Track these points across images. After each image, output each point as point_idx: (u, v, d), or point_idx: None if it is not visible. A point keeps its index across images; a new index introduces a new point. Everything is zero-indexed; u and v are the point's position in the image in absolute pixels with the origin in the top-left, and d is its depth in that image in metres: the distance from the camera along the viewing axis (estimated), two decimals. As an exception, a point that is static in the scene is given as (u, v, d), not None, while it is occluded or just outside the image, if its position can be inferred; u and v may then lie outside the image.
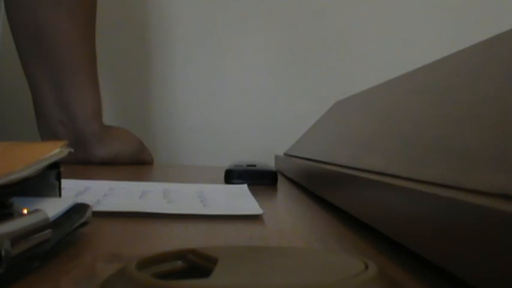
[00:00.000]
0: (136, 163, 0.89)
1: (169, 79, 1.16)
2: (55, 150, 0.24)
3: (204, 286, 0.13)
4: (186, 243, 0.24)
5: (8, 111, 1.14)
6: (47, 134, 0.85)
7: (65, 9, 0.80)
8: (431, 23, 1.15)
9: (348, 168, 0.35)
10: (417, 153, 0.26)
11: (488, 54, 0.29)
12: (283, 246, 0.24)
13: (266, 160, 0.83)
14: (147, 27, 1.17)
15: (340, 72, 1.15)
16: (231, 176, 0.56)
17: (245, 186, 0.48)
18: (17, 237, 0.16)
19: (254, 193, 0.43)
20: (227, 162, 0.71)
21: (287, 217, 0.36)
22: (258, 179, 0.56)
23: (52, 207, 0.21)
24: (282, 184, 0.58)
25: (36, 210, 0.19)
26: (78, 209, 0.24)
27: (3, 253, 0.15)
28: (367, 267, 0.15)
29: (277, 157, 0.89)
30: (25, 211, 0.19)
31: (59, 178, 0.26)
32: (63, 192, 0.27)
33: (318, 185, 0.43)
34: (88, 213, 0.24)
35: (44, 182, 0.26)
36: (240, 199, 0.40)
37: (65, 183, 0.30)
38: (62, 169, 0.26)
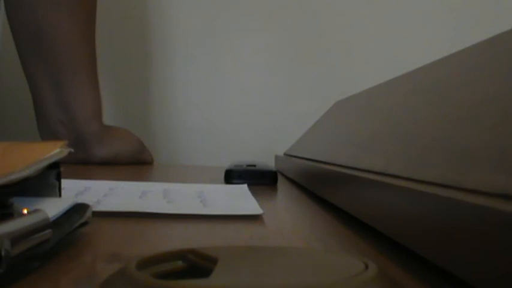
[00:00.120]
0: (136, 163, 0.89)
1: (169, 79, 1.16)
2: (55, 150, 0.24)
3: (204, 286, 0.13)
4: (186, 243, 0.24)
5: (8, 111, 1.14)
6: (47, 134, 0.85)
7: (65, 9, 0.80)
8: (431, 23, 1.15)
9: (348, 168, 0.35)
10: (417, 153, 0.26)
11: (488, 54, 0.29)
12: (283, 246, 0.24)
13: (266, 160, 0.83)
14: (147, 27, 1.17)
15: (340, 72, 1.15)
16: (231, 176, 0.56)
17: (245, 186, 0.48)
18: (17, 237, 0.16)
19: (254, 193, 0.43)
20: (227, 162, 0.71)
21: (287, 217, 0.36)
22: (258, 179, 0.56)
23: (52, 207, 0.21)
24: (282, 184, 0.58)
25: (36, 210, 0.19)
26: (78, 209, 0.24)
27: (3, 253, 0.15)
28: (367, 267, 0.15)
29: (277, 157, 0.89)
30: (25, 211, 0.19)
31: (59, 178, 0.26)
32: (63, 192, 0.27)
33: (318, 185, 0.43)
34: (88, 213, 0.24)
35: (44, 182, 0.26)
36: (240, 199, 0.40)
37: (65, 183, 0.30)
38: (62, 169, 0.26)
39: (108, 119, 0.91)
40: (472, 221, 0.15)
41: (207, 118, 1.16)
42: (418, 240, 0.19)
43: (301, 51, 1.16)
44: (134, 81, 1.16)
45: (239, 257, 0.16)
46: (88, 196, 0.38)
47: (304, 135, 0.83)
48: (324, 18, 1.16)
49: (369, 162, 0.32)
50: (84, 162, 0.82)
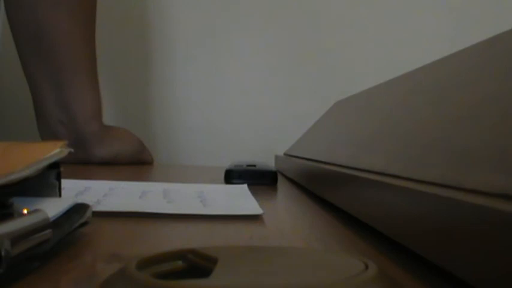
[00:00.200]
0: (137, 163, 0.89)
1: (169, 79, 1.16)
2: (55, 150, 0.24)
3: (204, 286, 0.13)
4: (186, 243, 0.24)
5: (8, 111, 1.14)
6: (47, 134, 0.85)
7: (65, 9, 0.80)
8: (431, 23, 1.15)
9: (348, 168, 0.35)
10: (417, 153, 0.26)
11: (488, 54, 0.29)
12: (283, 246, 0.24)
13: (266, 160, 0.83)
14: (147, 27, 1.17)
15: (340, 72, 1.15)
16: (231, 176, 0.56)
17: (245, 186, 0.48)
18: (17, 237, 0.16)
19: (254, 193, 0.43)
20: (227, 162, 0.71)
21: (287, 217, 0.36)
22: (258, 179, 0.56)
23: (52, 207, 0.21)
24: (282, 184, 0.58)
25: (36, 210, 0.19)
26: (78, 209, 0.24)
27: (3, 253, 0.15)
28: (367, 267, 0.15)
29: (277, 157, 0.89)
30: (25, 211, 0.19)
31: (59, 178, 0.26)
32: (63, 192, 0.27)
33: (318, 185, 0.43)
34: (88, 213, 0.24)
35: (44, 182, 0.26)
36: (240, 199, 0.40)
37: (65, 183, 0.30)
38: (62, 169, 0.26)
39: (108, 119, 0.91)
40: (472, 221, 0.15)
41: (207, 118, 1.16)
42: (418, 240, 0.19)
43: (301, 51, 1.16)
44: (134, 81, 1.17)
45: (239, 257, 0.16)
46: (88, 196, 0.38)
47: (304, 135, 0.83)
48: (324, 18, 1.16)
49: (369, 162, 0.32)
50: (84, 162, 0.82)
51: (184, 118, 1.16)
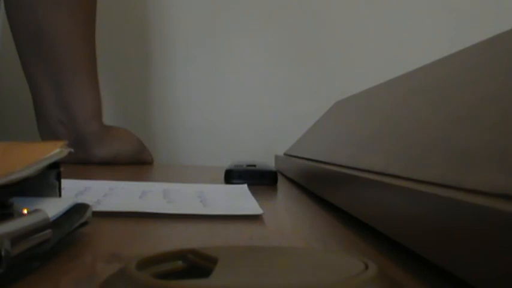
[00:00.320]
0: (137, 163, 0.89)
1: (169, 79, 1.16)
2: (55, 150, 0.24)
3: (204, 286, 0.13)
4: (186, 243, 0.24)
5: (8, 111, 1.14)
6: (47, 134, 0.85)
7: (65, 9, 0.80)
8: (431, 23, 1.15)
9: (348, 168, 0.35)
10: (417, 153, 0.26)
11: (488, 54, 0.29)
12: (283, 246, 0.24)
13: (266, 160, 0.83)
14: (147, 27, 1.17)
15: (340, 72, 1.15)
16: (231, 176, 0.56)
17: (245, 186, 0.48)
18: (17, 237, 0.16)
19: (254, 193, 0.43)
20: (227, 162, 0.71)
21: (287, 217, 0.36)
22: (258, 179, 0.56)
23: (52, 207, 0.21)
24: (282, 184, 0.58)
25: (36, 210, 0.19)
26: (78, 209, 0.24)
27: (3, 253, 0.15)
28: (367, 267, 0.15)
29: (277, 157, 0.89)
30: (25, 211, 0.19)
31: (59, 178, 0.26)
32: (63, 192, 0.27)
33: (318, 185, 0.43)
34: (88, 213, 0.24)
35: (44, 182, 0.26)
36: (240, 199, 0.40)
37: (65, 183, 0.30)
38: (62, 169, 0.26)
39: (108, 119, 0.91)
40: (472, 221, 0.15)
41: (207, 118, 1.16)
42: (418, 240, 0.19)
43: (301, 51, 1.16)
44: (134, 81, 1.17)
45: (239, 257, 0.16)
46: (88, 196, 0.38)
47: (304, 135, 0.83)
48: (324, 18, 1.16)
49: (369, 162, 0.32)
50: (84, 162, 0.82)
51: (184, 118, 1.16)
